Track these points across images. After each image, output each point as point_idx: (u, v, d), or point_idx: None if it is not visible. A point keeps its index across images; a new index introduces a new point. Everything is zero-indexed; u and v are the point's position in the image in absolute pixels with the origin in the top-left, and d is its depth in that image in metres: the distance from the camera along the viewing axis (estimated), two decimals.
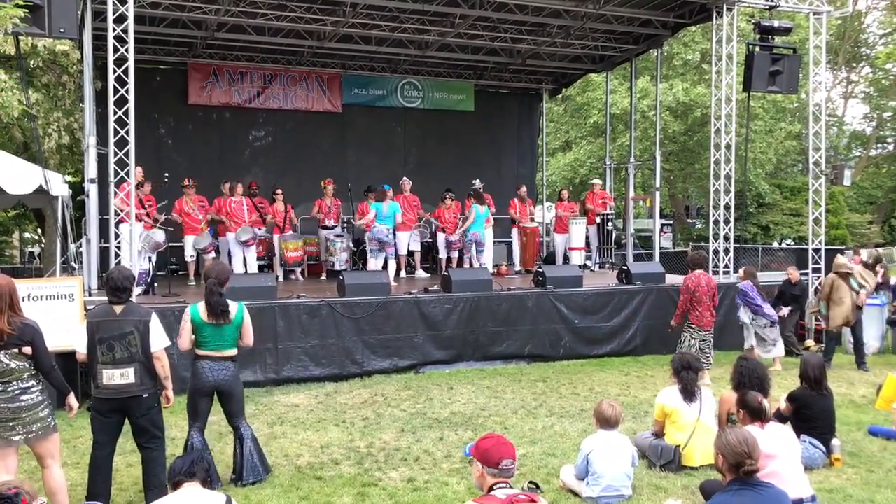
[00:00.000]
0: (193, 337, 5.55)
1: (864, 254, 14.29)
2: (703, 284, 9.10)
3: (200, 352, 5.55)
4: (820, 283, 11.96)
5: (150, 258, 10.77)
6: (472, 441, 5.26)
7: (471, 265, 12.94)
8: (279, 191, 12.95)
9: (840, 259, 10.75)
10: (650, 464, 5.98)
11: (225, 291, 5.64)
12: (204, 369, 5.50)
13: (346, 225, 13.40)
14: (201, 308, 5.53)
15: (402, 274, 13.16)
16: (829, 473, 5.91)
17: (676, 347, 9.04)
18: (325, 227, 13.09)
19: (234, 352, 5.63)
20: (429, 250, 14.17)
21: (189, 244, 12.02)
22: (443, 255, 13.55)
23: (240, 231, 12.06)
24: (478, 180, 13.68)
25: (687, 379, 6.04)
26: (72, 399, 4.84)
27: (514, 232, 14.48)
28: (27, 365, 4.59)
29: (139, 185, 11.28)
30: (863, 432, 7.04)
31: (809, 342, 11.79)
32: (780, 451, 4.76)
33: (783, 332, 11.04)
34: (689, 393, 6.01)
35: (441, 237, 13.52)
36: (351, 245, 13.03)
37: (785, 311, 11.21)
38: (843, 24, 28.15)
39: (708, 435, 5.57)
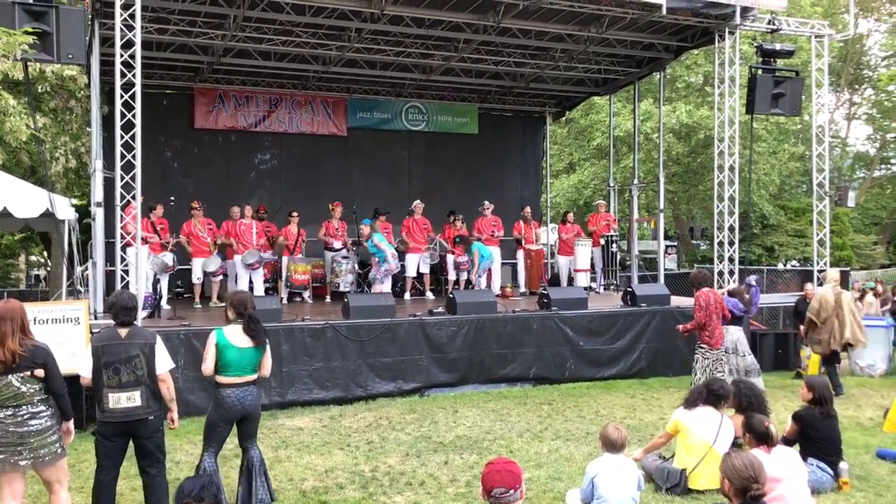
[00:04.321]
0: (216, 362, 5.39)
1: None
2: (712, 302, 8.78)
3: (223, 379, 5.36)
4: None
5: (157, 281, 10.81)
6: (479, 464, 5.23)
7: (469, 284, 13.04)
8: (295, 213, 13.02)
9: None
10: (656, 487, 5.95)
11: None
12: (230, 398, 5.34)
13: (351, 248, 13.40)
14: (228, 332, 5.39)
15: (407, 296, 13.19)
16: (837, 497, 5.88)
17: (691, 369, 8.88)
18: (332, 249, 13.08)
19: (255, 376, 5.50)
20: (434, 272, 14.17)
21: (198, 266, 12.06)
22: (452, 276, 13.56)
23: (246, 254, 12.13)
24: (486, 202, 13.79)
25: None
26: (70, 425, 4.87)
27: (520, 253, 14.50)
28: (38, 388, 4.60)
29: (152, 209, 11.40)
30: (870, 455, 7.00)
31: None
32: (786, 474, 4.73)
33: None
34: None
35: (450, 259, 13.55)
36: (356, 267, 13.04)
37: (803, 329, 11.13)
38: (844, 46, 28.29)
39: (717, 461, 5.52)
